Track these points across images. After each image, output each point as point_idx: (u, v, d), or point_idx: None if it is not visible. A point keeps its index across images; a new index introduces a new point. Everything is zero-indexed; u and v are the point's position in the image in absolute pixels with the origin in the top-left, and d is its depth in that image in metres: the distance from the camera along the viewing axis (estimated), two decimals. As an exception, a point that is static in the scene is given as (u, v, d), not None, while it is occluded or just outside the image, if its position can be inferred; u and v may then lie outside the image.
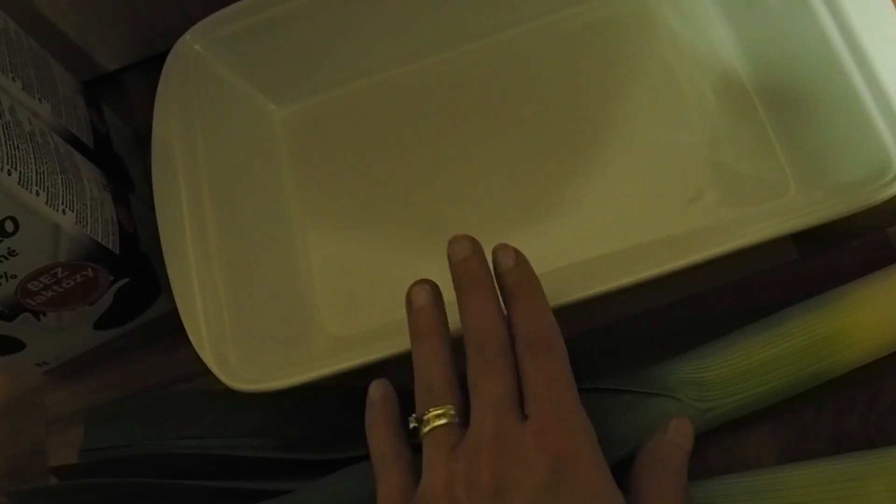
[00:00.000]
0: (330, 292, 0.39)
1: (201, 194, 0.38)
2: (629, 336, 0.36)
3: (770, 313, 0.33)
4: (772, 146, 0.38)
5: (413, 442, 0.30)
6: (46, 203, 0.32)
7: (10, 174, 0.30)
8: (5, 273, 0.33)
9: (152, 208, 0.37)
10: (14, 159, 0.31)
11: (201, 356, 0.34)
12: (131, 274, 0.38)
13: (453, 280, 0.31)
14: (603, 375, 0.32)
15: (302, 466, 0.34)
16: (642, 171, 0.39)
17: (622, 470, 0.30)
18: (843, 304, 0.32)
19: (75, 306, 0.37)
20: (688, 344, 0.33)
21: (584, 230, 0.38)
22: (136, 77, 0.47)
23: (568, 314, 0.31)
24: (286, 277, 0.39)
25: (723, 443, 0.34)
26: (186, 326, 0.35)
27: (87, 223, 0.35)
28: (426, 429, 0.28)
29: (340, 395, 0.37)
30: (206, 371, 0.34)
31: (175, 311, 0.35)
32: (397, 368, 0.32)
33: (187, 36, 0.41)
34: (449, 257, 0.31)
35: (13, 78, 0.35)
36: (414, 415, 0.29)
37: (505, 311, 0.30)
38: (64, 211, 0.33)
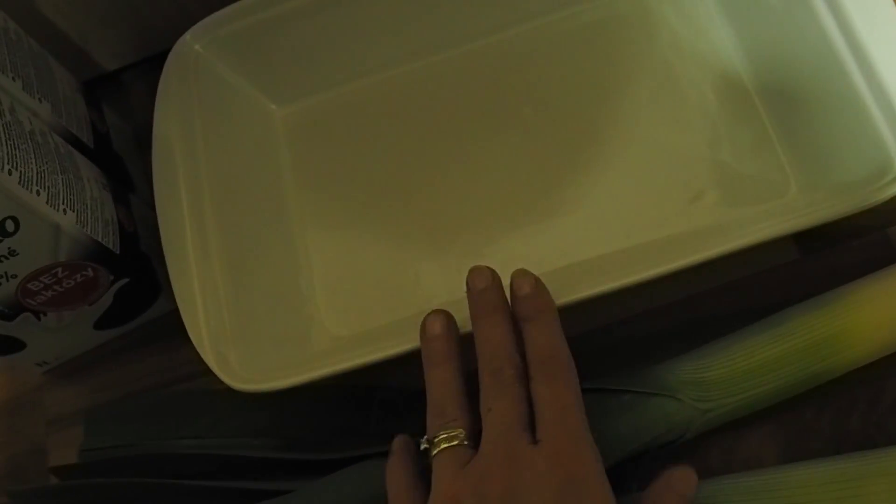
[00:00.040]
0: (330, 292, 0.39)
1: (202, 194, 0.38)
2: (629, 336, 0.36)
3: (771, 313, 0.33)
4: (772, 146, 0.38)
5: (424, 463, 0.30)
6: (47, 203, 0.32)
7: (10, 174, 0.30)
8: (6, 273, 0.33)
9: (152, 208, 0.37)
10: (14, 159, 0.31)
11: (202, 356, 0.34)
12: (131, 274, 0.38)
13: (470, 307, 0.31)
14: (603, 375, 0.32)
15: (302, 466, 0.34)
16: (642, 171, 0.39)
17: (622, 471, 0.30)
18: (843, 304, 0.32)
19: (75, 306, 0.37)
20: (688, 344, 0.33)
21: (584, 230, 0.38)
22: (137, 77, 0.47)
23: (568, 314, 0.31)
24: (286, 277, 0.39)
25: (723, 443, 0.34)
26: (187, 326, 0.35)
27: (87, 223, 0.35)
28: (436, 450, 0.29)
29: (340, 395, 0.37)
30: (207, 371, 0.34)
31: (175, 310, 0.35)
32: (398, 368, 0.32)
33: (187, 36, 0.41)
34: (468, 286, 0.31)
35: (13, 78, 0.35)
36: (425, 437, 0.29)
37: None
38: (64, 211, 0.33)
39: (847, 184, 0.34)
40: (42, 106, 0.36)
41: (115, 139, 0.43)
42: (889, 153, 0.32)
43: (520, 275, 0.31)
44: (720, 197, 0.37)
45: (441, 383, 0.30)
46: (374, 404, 0.36)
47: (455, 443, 0.28)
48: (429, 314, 0.32)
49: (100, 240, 0.35)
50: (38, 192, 0.32)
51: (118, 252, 0.37)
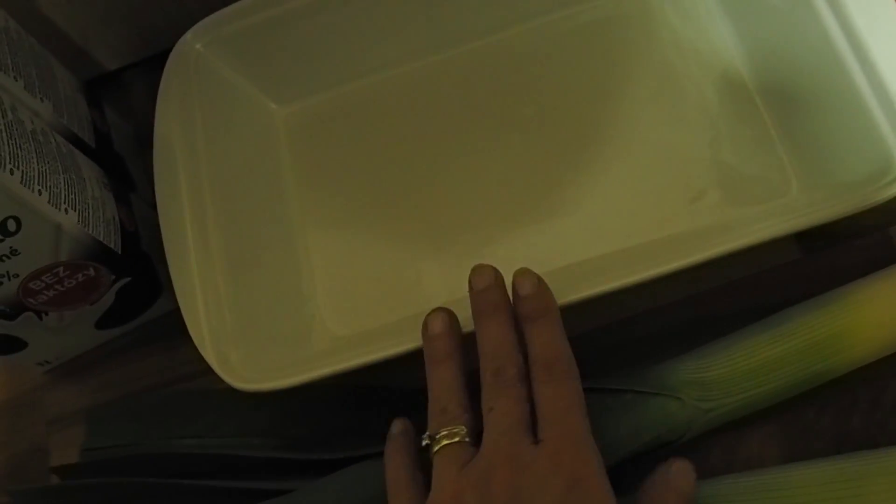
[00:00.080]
0: (331, 291, 0.39)
1: (203, 193, 0.38)
2: (630, 336, 0.36)
3: (772, 313, 0.33)
4: (773, 145, 0.38)
5: (425, 456, 0.30)
6: (48, 202, 0.32)
7: (12, 173, 0.30)
8: (7, 272, 0.33)
9: (154, 207, 0.37)
10: (16, 158, 0.31)
11: (203, 355, 0.34)
12: (133, 273, 0.38)
13: (472, 306, 0.31)
14: (604, 375, 0.32)
15: (302, 466, 0.34)
16: (643, 171, 0.39)
17: (623, 470, 0.30)
18: (845, 304, 0.32)
19: (77, 305, 0.37)
20: (689, 343, 0.33)
21: (584, 230, 0.38)
22: (138, 76, 0.47)
23: (569, 314, 0.31)
24: (287, 276, 0.39)
25: (725, 442, 0.33)
26: (188, 325, 0.35)
27: (88, 222, 0.35)
28: (437, 447, 0.29)
29: (341, 395, 0.37)
30: (208, 370, 0.34)
31: (176, 310, 0.35)
32: (399, 368, 0.32)
33: (188, 35, 0.41)
34: (470, 285, 0.31)
35: (15, 77, 0.35)
36: (427, 433, 0.29)
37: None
38: (66, 210, 0.33)
39: (848, 183, 0.34)
40: (43, 105, 0.36)
41: (116, 139, 0.43)
42: (890, 153, 0.32)
43: (522, 274, 0.31)
44: (721, 197, 0.37)
45: (443, 381, 0.30)
46: (374, 404, 0.36)
47: (457, 440, 0.28)
48: (431, 312, 0.32)
49: (101, 239, 0.35)
50: (39, 192, 0.32)
51: (119, 251, 0.37)
